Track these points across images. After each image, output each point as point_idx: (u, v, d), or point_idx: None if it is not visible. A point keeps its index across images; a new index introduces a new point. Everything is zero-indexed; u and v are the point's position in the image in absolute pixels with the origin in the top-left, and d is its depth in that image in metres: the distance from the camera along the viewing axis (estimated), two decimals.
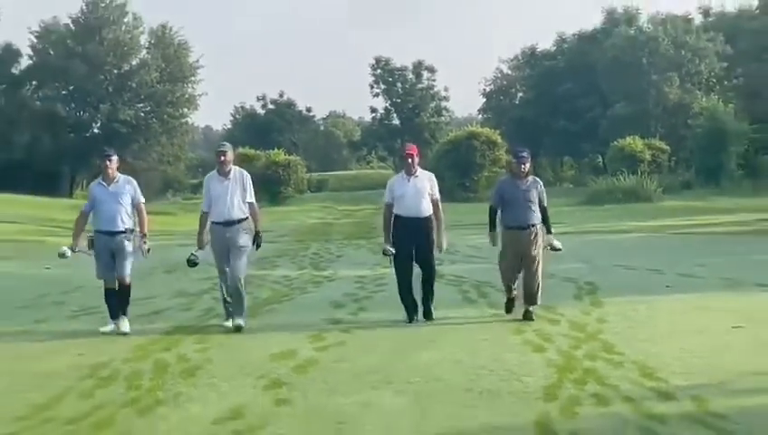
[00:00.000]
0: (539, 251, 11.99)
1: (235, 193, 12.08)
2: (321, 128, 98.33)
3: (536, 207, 11.99)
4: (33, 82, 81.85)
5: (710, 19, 75.47)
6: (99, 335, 12.88)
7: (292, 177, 63.77)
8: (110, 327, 12.26)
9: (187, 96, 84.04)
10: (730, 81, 68.96)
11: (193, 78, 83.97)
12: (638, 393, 9.29)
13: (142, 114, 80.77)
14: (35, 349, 12.38)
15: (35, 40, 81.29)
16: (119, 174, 12.20)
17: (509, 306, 12.42)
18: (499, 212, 12.20)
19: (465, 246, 23.55)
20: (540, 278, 12.07)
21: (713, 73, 70.85)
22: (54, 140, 78.80)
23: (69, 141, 79.73)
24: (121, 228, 12.04)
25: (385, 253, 12.38)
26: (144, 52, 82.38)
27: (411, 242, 12.07)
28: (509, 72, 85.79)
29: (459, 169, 59.14)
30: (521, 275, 12.21)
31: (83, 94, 79.86)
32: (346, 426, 8.36)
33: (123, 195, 12.05)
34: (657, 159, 60.12)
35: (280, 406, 9.20)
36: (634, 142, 60.20)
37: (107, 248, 12.04)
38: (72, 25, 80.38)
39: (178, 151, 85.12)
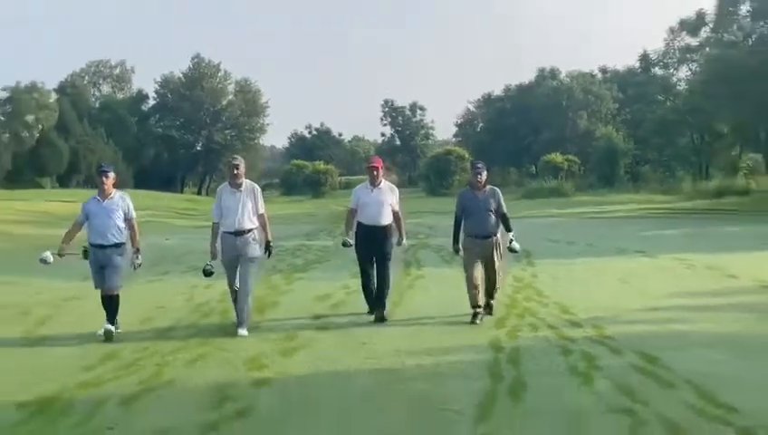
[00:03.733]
0: (498, 257, 9.56)
1: (246, 204, 9.13)
2: (348, 147, 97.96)
3: (494, 217, 9.53)
4: (157, 116, 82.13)
5: (607, 74, 75.15)
6: (201, 284, 12.05)
7: (329, 179, 63.87)
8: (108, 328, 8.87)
9: (259, 125, 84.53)
10: (620, 116, 68.66)
11: (263, 113, 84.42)
12: (557, 323, 9.41)
13: (229, 138, 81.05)
14: (161, 291, 12.49)
15: (158, 87, 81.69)
16: (114, 190, 9.23)
17: (475, 315, 9.38)
18: (462, 221, 9.78)
19: (443, 226, 23.39)
20: (498, 280, 9.66)
21: (608, 111, 70.65)
22: (170, 155, 79.24)
23: (180, 156, 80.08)
24: (111, 242, 8.96)
25: (344, 244, 10.18)
26: (231, 96, 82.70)
27: (371, 247, 9.82)
28: (473, 109, 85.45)
29: (440, 174, 59.78)
30: (480, 280, 9.50)
31: (190, 124, 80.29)
32: (366, 344, 8.41)
33: (115, 210, 9.02)
34: (571, 168, 59.88)
35: (321, 331, 9.25)
36: (556, 157, 60.15)
37: (96, 260, 9.00)
38: (182, 78, 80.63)
39: (253, 163, 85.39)
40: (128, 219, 9.17)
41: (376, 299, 9.86)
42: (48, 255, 9.10)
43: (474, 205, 9.58)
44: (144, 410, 6.25)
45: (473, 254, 9.55)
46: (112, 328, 8.86)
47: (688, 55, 51.94)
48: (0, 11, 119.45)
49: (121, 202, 9.16)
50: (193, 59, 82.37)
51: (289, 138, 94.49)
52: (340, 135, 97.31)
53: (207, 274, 9.33)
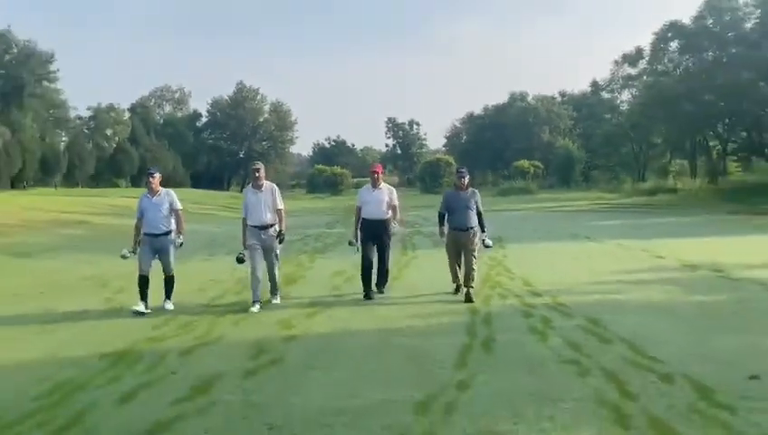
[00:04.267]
0: (475, 247, 9.09)
1: (267, 202, 8.69)
2: (359, 154, 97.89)
3: (474, 213, 9.14)
4: (208, 130, 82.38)
5: (565, 97, 75.01)
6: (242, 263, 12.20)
7: (344, 180, 64.06)
8: (140, 307, 8.42)
9: (289, 137, 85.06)
10: (575, 130, 68.60)
11: (292, 128, 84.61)
12: (521, 293, 9.43)
13: (265, 148, 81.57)
14: (211, 268, 12.57)
15: (210, 107, 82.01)
16: (161, 188, 8.75)
17: (456, 289, 9.27)
18: (446, 216, 9.36)
19: (434, 218, 23.32)
20: (475, 266, 9.07)
21: (566, 126, 70.54)
22: (218, 161, 79.57)
23: (226, 162, 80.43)
24: (161, 231, 8.57)
25: (350, 243, 9.67)
26: (266, 114, 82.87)
27: (372, 237, 9.31)
28: (458, 125, 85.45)
29: (432, 176, 60.30)
30: (462, 264, 9.15)
31: (234, 137, 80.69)
32: (371, 309, 8.45)
33: (163, 205, 8.58)
34: (536, 172, 60.02)
35: (336, 299, 9.30)
36: (524, 163, 60.28)
37: (151, 247, 8.57)
38: (228, 100, 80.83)
39: (284, 168, 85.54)
40: (174, 210, 8.69)
41: (378, 276, 9.45)
42: (126, 251, 8.72)
43: (457, 203, 9.19)
44: (199, 360, 6.30)
45: (454, 244, 9.21)
46: (168, 305, 8.65)
47: (629, 82, 51.92)
48: (83, 47, 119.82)
49: (167, 197, 8.69)
50: (237, 85, 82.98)
51: (312, 147, 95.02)
52: (353, 145, 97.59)
53: (240, 261, 8.82)
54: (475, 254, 9.14)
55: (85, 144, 68.17)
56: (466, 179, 9.33)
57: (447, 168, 59.45)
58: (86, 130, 75.90)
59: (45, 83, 72.63)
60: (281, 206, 8.80)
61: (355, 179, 68.17)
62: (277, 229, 8.71)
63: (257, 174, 8.78)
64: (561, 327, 7.27)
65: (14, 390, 5.49)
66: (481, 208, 9.26)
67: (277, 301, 8.86)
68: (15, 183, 55.64)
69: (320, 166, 69.77)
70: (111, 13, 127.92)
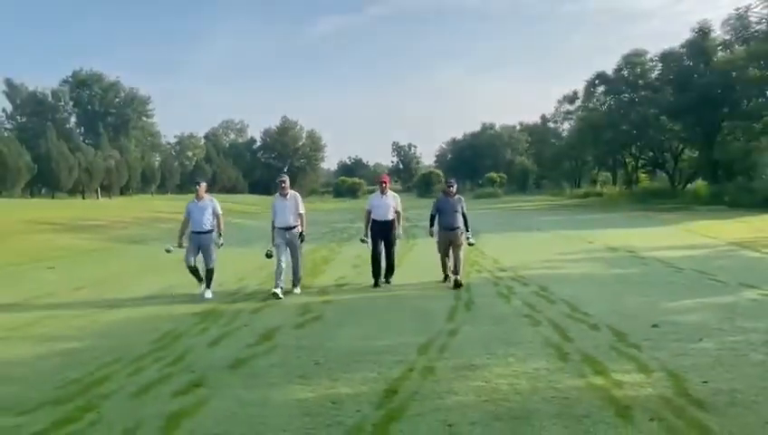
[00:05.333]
0: (461, 243, 8.20)
1: (291, 208, 7.79)
2: (372, 169, 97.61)
3: (460, 215, 8.25)
4: (261, 151, 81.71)
5: (522, 126, 74.50)
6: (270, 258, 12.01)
7: (361, 188, 63.93)
8: (201, 288, 7.75)
9: (320, 156, 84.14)
10: (529, 151, 68.22)
11: (322, 150, 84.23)
12: (492, 268, 9.43)
13: (303, 164, 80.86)
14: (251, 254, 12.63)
15: (262, 135, 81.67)
16: (206, 195, 7.79)
17: (445, 278, 8.26)
18: (437, 217, 8.45)
19: (428, 216, 23.25)
20: (462, 259, 8.18)
21: (523, 148, 70.21)
22: (269, 174, 76.94)
23: (274, 174, 79.23)
24: (205, 229, 7.61)
25: (362, 241, 8.72)
26: (303, 139, 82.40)
27: (381, 236, 8.34)
28: (445, 146, 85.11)
29: (425, 185, 60.16)
30: (451, 258, 8.22)
31: (280, 156, 79.78)
32: (385, 282, 8.33)
33: (207, 208, 7.64)
34: (501, 181, 59.88)
35: (358, 275, 9.22)
36: (493, 175, 60.21)
37: (196, 242, 7.61)
38: (276, 129, 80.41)
39: (316, 179, 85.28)
40: (216, 214, 7.72)
41: (386, 270, 8.39)
42: (170, 247, 7.81)
43: (446, 207, 8.30)
44: (264, 316, 6.39)
45: (444, 241, 8.26)
46: (207, 294, 7.60)
47: (568, 115, 51.79)
48: (171, 90, 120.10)
49: (210, 203, 7.71)
50: (282, 118, 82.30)
51: (338, 163, 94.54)
52: (367, 162, 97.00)
53: (269, 256, 7.82)
54: (462, 249, 8.23)
55: (173, 163, 68.45)
56: (454, 188, 8.48)
57: (437, 178, 59.44)
58: (173, 153, 76.06)
59: (144, 118, 73.12)
60: (302, 211, 7.84)
61: (368, 188, 68.23)
62: (299, 230, 7.81)
63: (283, 184, 7.91)
64: (520, 292, 7.32)
65: (136, 335, 5.68)
66: (465, 212, 8.39)
67: (298, 291, 7.74)
68: (123, 191, 56.06)
69: (343, 177, 70.13)
70: (188, 64, 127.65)
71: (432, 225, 8.62)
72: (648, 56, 37.02)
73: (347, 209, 36.27)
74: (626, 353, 4.58)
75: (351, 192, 62.96)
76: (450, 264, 8.19)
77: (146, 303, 7.37)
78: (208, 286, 7.69)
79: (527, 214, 27.04)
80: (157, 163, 66.58)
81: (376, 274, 8.29)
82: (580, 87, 45.06)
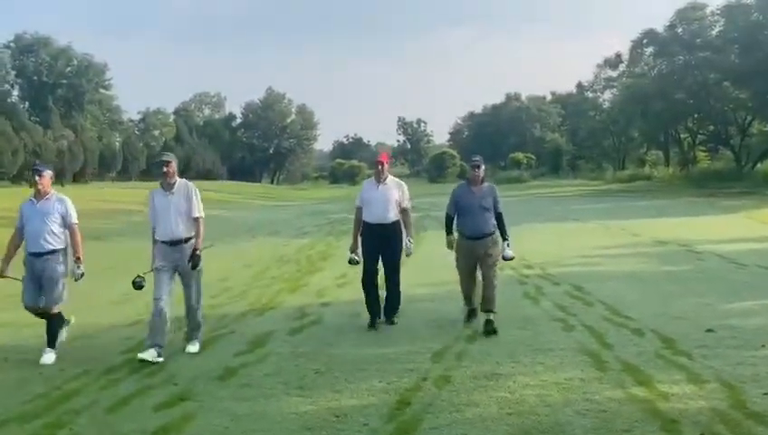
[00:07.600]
0: (494, 260, 6.09)
1: (181, 209, 5.39)
2: (374, 149, 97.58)
3: (491, 215, 6.14)
4: (242, 130, 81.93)
5: (554, 97, 74.37)
6: (280, 243, 11.91)
7: (360, 172, 63.90)
8: (44, 354, 5.34)
9: (312, 135, 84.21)
10: (563, 126, 68.15)
11: (315, 127, 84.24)
12: (517, 266, 9.22)
13: (292, 145, 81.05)
14: (255, 247, 12.82)
15: (243, 110, 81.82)
16: (52, 190, 5.52)
17: (470, 316, 6.19)
18: (456, 219, 6.30)
19: (440, 202, 23.31)
20: (495, 283, 6.02)
21: (555, 123, 70.11)
22: (251, 157, 79.13)
23: (258, 157, 79.82)
24: (46, 249, 5.30)
25: (350, 262, 6.40)
26: (293, 116, 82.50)
27: (377, 249, 6.21)
28: (461, 122, 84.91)
29: (437, 168, 60.38)
30: (478, 281, 6.13)
31: (265, 135, 79.95)
32: None
33: (51, 214, 5.35)
34: (529, 163, 59.87)
35: (357, 271, 9.48)
36: (518, 155, 60.10)
37: (32, 271, 5.35)
38: (259, 103, 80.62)
39: (308, 162, 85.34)
40: (68, 225, 5.48)
41: (387, 304, 6.33)
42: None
43: (469, 202, 6.16)
44: (252, 321, 6.59)
45: (467, 254, 6.17)
46: (49, 358, 5.33)
47: (610, 83, 51.64)
48: (130, 57, 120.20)
49: (58, 205, 5.45)
50: (267, 90, 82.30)
51: (333, 143, 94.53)
52: (368, 141, 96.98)
53: (138, 286, 5.60)
54: (496, 268, 6.15)
55: (137, 144, 68.59)
56: (482, 170, 6.23)
57: (451, 159, 59.64)
58: (137, 132, 76.25)
59: (101, 90, 73.33)
60: (199, 213, 5.55)
61: (370, 172, 68.46)
62: (193, 245, 5.47)
63: (166, 169, 5.63)
64: (550, 293, 7.48)
65: (105, 344, 5.86)
66: (501, 209, 6.28)
67: (195, 348, 5.56)
68: (78, 178, 56.41)
69: (339, 160, 70.27)
70: (153, 24, 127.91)
71: (450, 231, 6.45)
72: (708, 9, 36.88)
73: (344, 197, 36.34)
74: (674, 362, 4.72)
75: (350, 177, 63.03)
76: (478, 290, 6.13)
77: (114, 308, 7.54)
78: (51, 345, 5.41)
79: (560, 201, 27.13)
80: (117, 144, 66.78)
81: (371, 307, 6.25)
82: (624, 48, 45.08)
